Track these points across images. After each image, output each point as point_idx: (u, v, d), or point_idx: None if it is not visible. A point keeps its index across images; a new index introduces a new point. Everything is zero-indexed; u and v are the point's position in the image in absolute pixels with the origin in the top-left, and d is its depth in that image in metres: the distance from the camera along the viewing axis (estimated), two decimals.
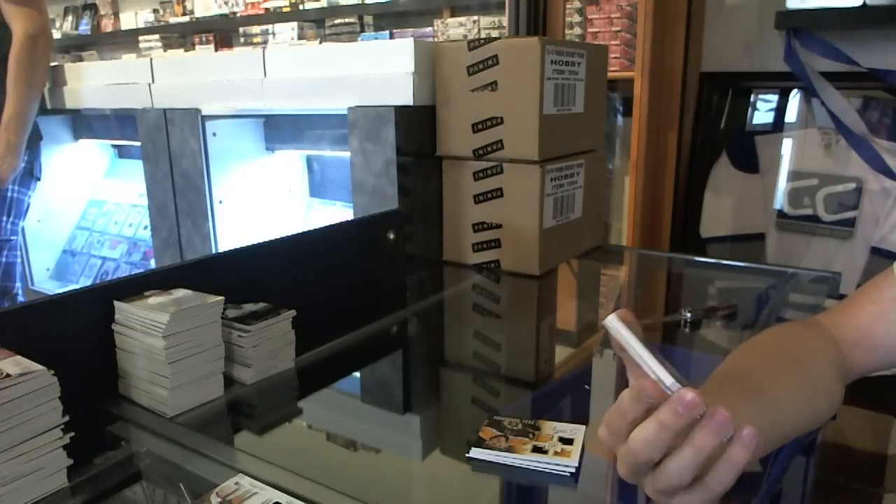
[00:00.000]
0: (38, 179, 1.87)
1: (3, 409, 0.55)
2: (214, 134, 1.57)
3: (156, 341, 0.69)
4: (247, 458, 0.64)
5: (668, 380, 0.44)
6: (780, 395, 0.57)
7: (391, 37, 3.41)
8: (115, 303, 0.73)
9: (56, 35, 4.91)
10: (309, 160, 1.79)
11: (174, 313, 0.69)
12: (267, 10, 3.93)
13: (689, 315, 1.01)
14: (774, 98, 2.04)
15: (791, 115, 2.01)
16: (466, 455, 0.63)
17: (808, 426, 0.61)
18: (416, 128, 1.26)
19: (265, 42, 3.92)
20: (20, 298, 1.84)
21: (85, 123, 2.06)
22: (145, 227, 2.03)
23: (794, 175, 1.98)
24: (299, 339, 0.84)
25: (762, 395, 0.56)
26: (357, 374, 0.93)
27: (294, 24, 3.80)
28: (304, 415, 0.79)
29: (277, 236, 0.93)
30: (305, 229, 0.98)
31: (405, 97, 1.23)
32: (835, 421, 0.84)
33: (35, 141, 1.82)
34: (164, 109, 1.62)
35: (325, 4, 3.66)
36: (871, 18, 1.81)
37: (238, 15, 4.08)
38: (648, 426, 0.44)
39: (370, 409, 0.83)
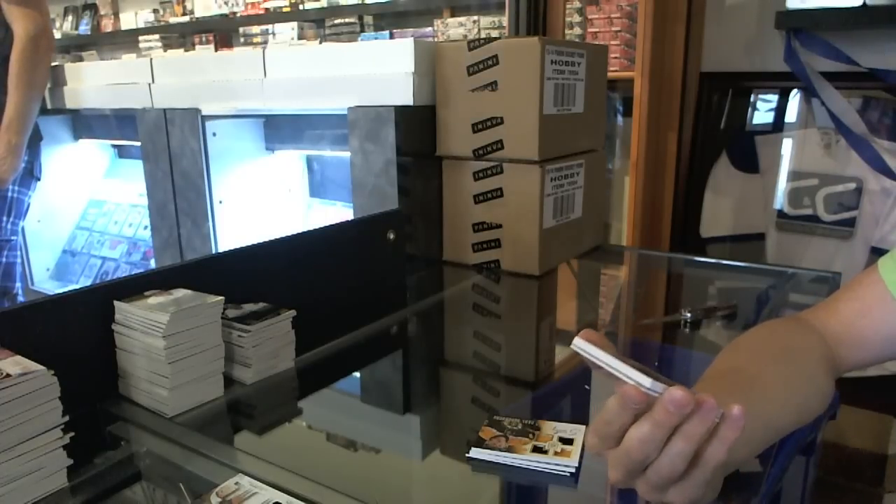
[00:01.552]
0: (39, 179, 1.87)
1: (3, 409, 0.55)
2: (214, 134, 1.57)
3: (156, 341, 0.69)
4: (247, 458, 0.64)
5: (646, 382, 0.45)
6: (770, 389, 0.57)
7: (391, 37, 3.41)
8: (115, 303, 0.73)
9: (56, 35, 4.90)
10: (309, 160, 1.79)
11: (174, 313, 0.69)
12: (267, 10, 3.93)
13: (689, 315, 1.01)
14: (774, 98, 2.04)
15: (791, 115, 2.01)
16: (466, 455, 0.63)
17: (801, 420, 0.61)
18: (416, 128, 1.26)
19: (265, 42, 3.92)
20: (20, 298, 1.84)
21: (85, 123, 2.06)
22: (145, 227, 2.03)
23: (794, 175, 1.98)
24: (299, 339, 0.84)
25: (753, 390, 0.56)
26: (357, 374, 0.93)
27: (294, 24, 3.80)
28: (304, 415, 0.79)
29: (277, 236, 0.93)
30: (305, 229, 0.98)
31: (405, 97, 1.23)
32: (835, 421, 0.84)
33: (35, 141, 1.82)
34: (164, 109, 1.62)
35: (325, 4, 3.65)
36: (871, 18, 1.81)
37: (238, 15, 4.08)
38: (643, 426, 0.45)
39: (370, 409, 0.83)
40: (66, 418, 0.59)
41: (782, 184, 2.01)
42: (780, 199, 2.01)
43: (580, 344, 0.47)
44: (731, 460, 0.52)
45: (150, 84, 1.67)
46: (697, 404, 0.44)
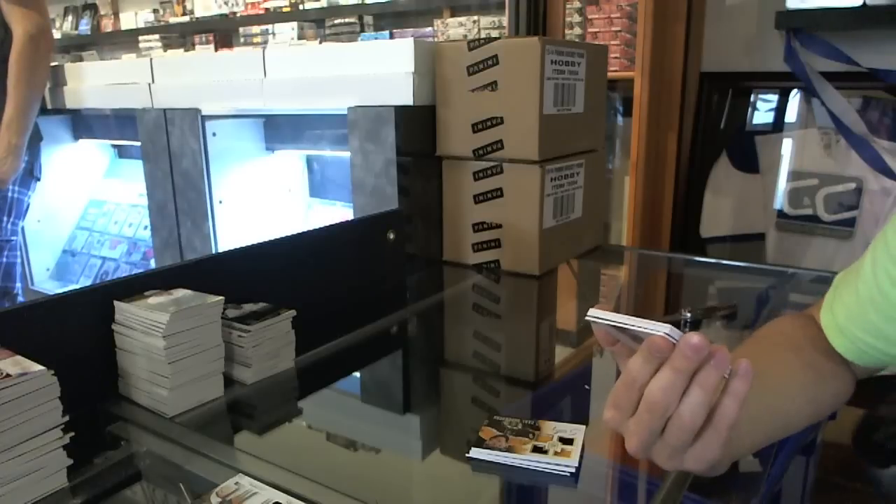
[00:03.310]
0: (38, 180, 1.87)
1: (3, 409, 0.55)
2: (214, 134, 1.57)
3: (156, 341, 0.69)
4: (247, 458, 0.64)
5: (664, 328, 0.45)
6: (780, 380, 0.57)
7: (391, 37, 3.41)
8: (115, 303, 0.73)
9: (56, 35, 4.91)
10: (309, 160, 1.79)
11: (174, 313, 0.69)
12: (267, 10, 3.93)
13: (689, 315, 1.01)
14: (774, 98, 2.04)
15: (791, 115, 2.01)
16: (466, 455, 0.63)
17: (818, 412, 0.61)
18: (416, 128, 1.26)
19: (265, 42, 3.92)
20: (20, 298, 1.84)
21: (85, 123, 2.06)
22: (145, 227, 2.03)
23: (794, 175, 1.98)
24: (299, 339, 0.84)
25: (763, 381, 0.56)
26: (357, 374, 0.93)
27: (294, 24, 3.80)
28: (304, 415, 0.79)
29: (277, 236, 0.93)
30: (305, 229, 0.98)
31: (405, 97, 1.23)
32: (835, 421, 0.84)
33: (35, 141, 1.82)
34: (164, 109, 1.62)
35: (325, 4, 3.65)
36: (871, 18, 1.80)
37: (238, 15, 4.08)
38: (663, 374, 0.45)
39: (370, 409, 0.83)
40: (66, 418, 0.59)
41: (782, 184, 2.01)
42: (780, 199, 2.01)
43: (595, 313, 0.47)
44: (742, 447, 0.52)
45: (150, 84, 1.67)
46: (710, 353, 0.45)
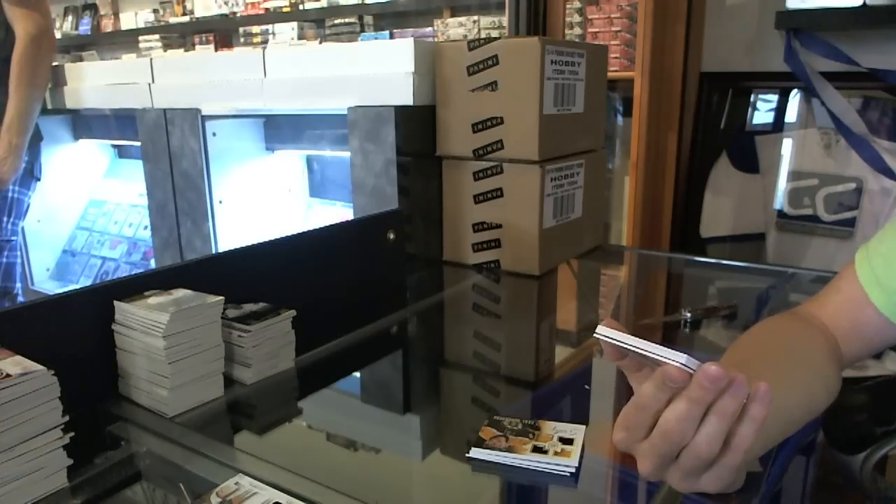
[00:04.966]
0: (39, 180, 1.87)
1: (3, 409, 0.55)
2: (214, 134, 1.57)
3: (156, 341, 0.69)
4: (247, 458, 0.64)
5: (681, 358, 0.43)
6: (778, 382, 0.57)
7: (391, 37, 3.41)
8: (115, 303, 0.73)
9: (56, 35, 4.90)
10: (309, 160, 1.79)
11: (174, 313, 0.69)
12: (267, 10, 3.93)
13: (689, 315, 1.01)
14: (774, 98, 2.04)
15: (791, 115, 2.01)
16: (466, 455, 0.63)
17: (811, 413, 0.61)
18: (416, 128, 1.26)
19: (265, 42, 3.92)
20: (20, 298, 1.84)
21: (85, 123, 2.06)
22: (145, 227, 2.03)
23: (794, 175, 1.98)
24: (299, 339, 0.84)
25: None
26: (357, 374, 0.93)
27: (294, 24, 3.79)
28: (304, 415, 0.79)
29: (277, 236, 0.93)
30: (305, 229, 0.98)
31: (405, 97, 1.23)
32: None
33: (35, 141, 1.82)
34: (164, 109, 1.62)
35: (325, 4, 3.65)
36: (871, 18, 1.80)
37: (238, 15, 4.08)
38: (679, 405, 0.44)
39: (370, 409, 0.83)
40: (66, 418, 0.59)
41: (782, 184, 2.01)
42: (780, 199, 2.01)
43: (604, 332, 0.46)
44: (752, 455, 0.52)
45: (150, 84, 1.67)
46: (729, 381, 0.44)
